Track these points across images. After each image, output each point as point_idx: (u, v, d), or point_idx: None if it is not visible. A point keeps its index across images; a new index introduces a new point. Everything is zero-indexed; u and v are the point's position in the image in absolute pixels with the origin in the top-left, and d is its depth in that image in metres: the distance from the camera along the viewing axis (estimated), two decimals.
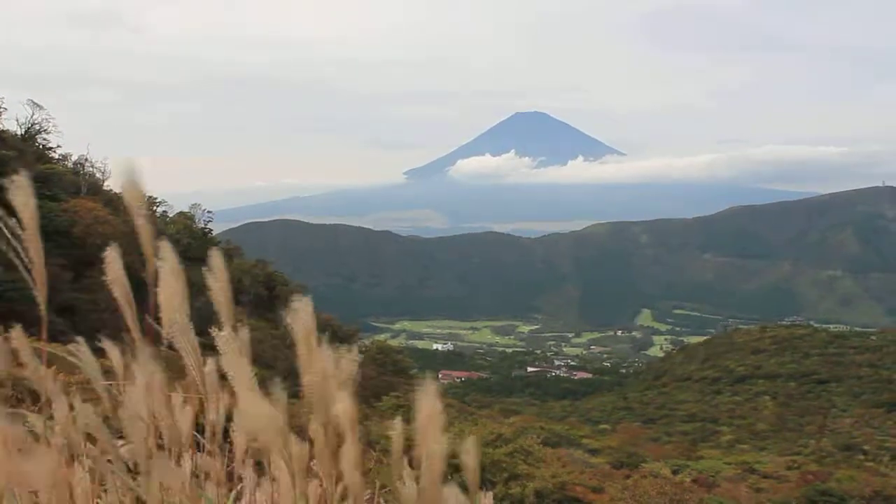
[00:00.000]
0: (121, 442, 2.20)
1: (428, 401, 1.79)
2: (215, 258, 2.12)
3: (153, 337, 2.18)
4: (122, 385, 2.23)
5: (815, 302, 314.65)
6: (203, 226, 57.31)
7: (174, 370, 2.36)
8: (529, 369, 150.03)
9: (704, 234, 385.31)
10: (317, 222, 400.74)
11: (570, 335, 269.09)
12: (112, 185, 50.56)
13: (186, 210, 57.46)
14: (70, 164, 47.47)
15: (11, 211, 2.03)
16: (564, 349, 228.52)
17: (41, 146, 45.61)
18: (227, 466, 2.52)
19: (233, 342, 2.04)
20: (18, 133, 44.39)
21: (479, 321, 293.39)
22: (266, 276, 58.22)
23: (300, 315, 1.91)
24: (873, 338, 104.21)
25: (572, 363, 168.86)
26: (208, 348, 2.16)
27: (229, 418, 2.44)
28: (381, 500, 3.51)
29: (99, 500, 2.06)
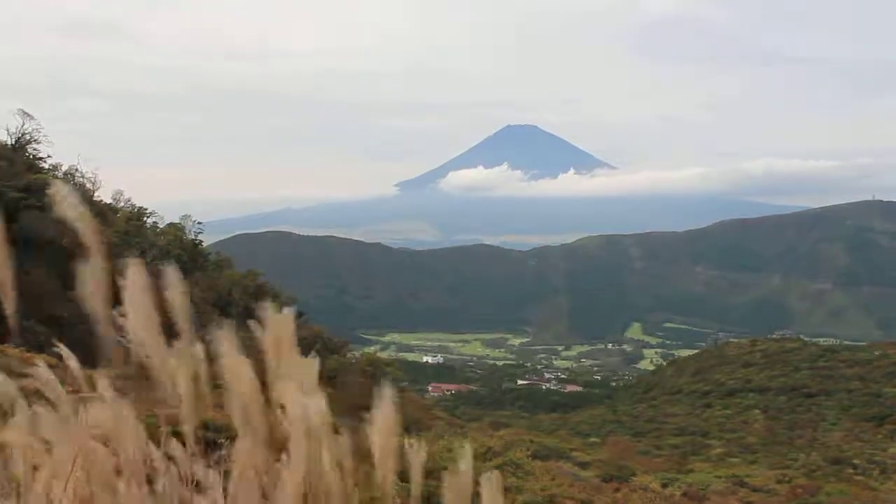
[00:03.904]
0: None
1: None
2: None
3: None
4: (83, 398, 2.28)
5: (805, 315, 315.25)
6: (193, 237, 57.18)
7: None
8: (519, 382, 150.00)
9: (695, 248, 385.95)
10: (308, 234, 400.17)
11: (561, 348, 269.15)
12: (102, 195, 50.48)
13: (177, 221, 57.31)
14: (60, 175, 47.34)
15: None
16: (555, 362, 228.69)
17: (31, 156, 45.48)
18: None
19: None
20: (9, 143, 44.29)
21: (470, 333, 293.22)
22: (256, 288, 58.10)
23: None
24: (877, 353, 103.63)
25: (562, 376, 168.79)
26: None
27: (208, 429, 2.44)
28: None
29: None
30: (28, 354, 16.89)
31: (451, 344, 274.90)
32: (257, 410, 2.03)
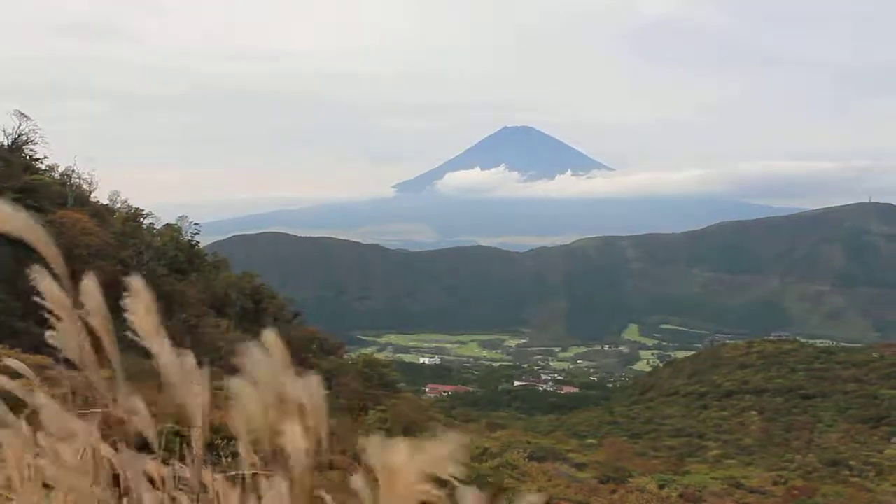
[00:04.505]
0: None
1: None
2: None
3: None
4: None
5: (802, 317, 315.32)
6: (190, 238, 57.12)
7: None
8: (516, 383, 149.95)
9: (692, 249, 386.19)
10: (305, 235, 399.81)
11: (557, 349, 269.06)
12: (99, 196, 50.47)
13: (174, 222, 57.24)
14: (57, 175, 47.33)
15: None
16: (551, 363, 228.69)
17: (28, 157, 45.46)
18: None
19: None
20: (5, 143, 44.27)
21: (467, 335, 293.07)
22: (253, 289, 58.10)
23: None
24: (876, 355, 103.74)
25: (559, 377, 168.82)
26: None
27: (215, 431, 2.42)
28: None
29: None
30: (23, 355, 16.87)
31: (448, 345, 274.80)
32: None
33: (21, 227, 1.98)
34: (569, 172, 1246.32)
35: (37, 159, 46.36)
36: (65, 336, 2.16)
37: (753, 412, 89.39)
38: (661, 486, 39.79)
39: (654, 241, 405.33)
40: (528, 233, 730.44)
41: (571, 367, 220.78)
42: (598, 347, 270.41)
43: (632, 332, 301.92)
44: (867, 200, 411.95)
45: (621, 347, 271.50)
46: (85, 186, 48.54)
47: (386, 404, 44.55)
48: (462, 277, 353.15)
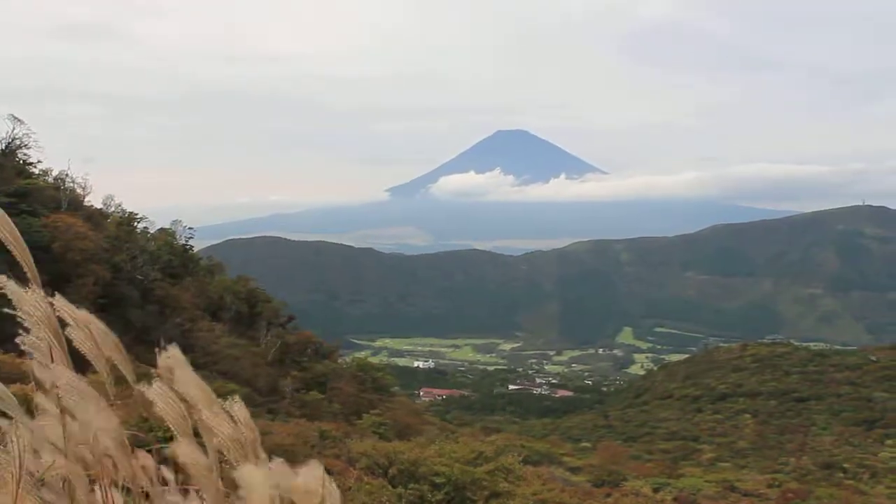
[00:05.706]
0: None
1: None
2: None
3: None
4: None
5: (796, 320, 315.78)
6: (184, 242, 57.03)
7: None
8: (511, 387, 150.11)
9: (686, 252, 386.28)
10: (299, 239, 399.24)
11: (552, 353, 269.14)
12: (92, 200, 50.33)
13: (168, 226, 57.14)
14: (51, 180, 47.17)
15: None
16: (546, 367, 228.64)
17: (22, 161, 45.30)
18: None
19: None
20: None
21: (461, 339, 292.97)
22: (248, 293, 57.99)
23: None
24: (872, 358, 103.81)
25: (553, 381, 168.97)
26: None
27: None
28: None
29: None
30: (20, 360, 16.86)
31: (443, 349, 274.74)
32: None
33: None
34: (563, 176, 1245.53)
35: (30, 163, 46.21)
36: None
37: (747, 415, 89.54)
38: (656, 490, 39.84)
39: (648, 244, 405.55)
40: (523, 236, 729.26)
41: (566, 370, 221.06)
42: (593, 351, 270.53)
43: (626, 336, 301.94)
44: (861, 204, 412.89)
45: (615, 351, 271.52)
46: (79, 191, 48.42)
47: (380, 408, 44.51)
48: (456, 281, 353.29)
